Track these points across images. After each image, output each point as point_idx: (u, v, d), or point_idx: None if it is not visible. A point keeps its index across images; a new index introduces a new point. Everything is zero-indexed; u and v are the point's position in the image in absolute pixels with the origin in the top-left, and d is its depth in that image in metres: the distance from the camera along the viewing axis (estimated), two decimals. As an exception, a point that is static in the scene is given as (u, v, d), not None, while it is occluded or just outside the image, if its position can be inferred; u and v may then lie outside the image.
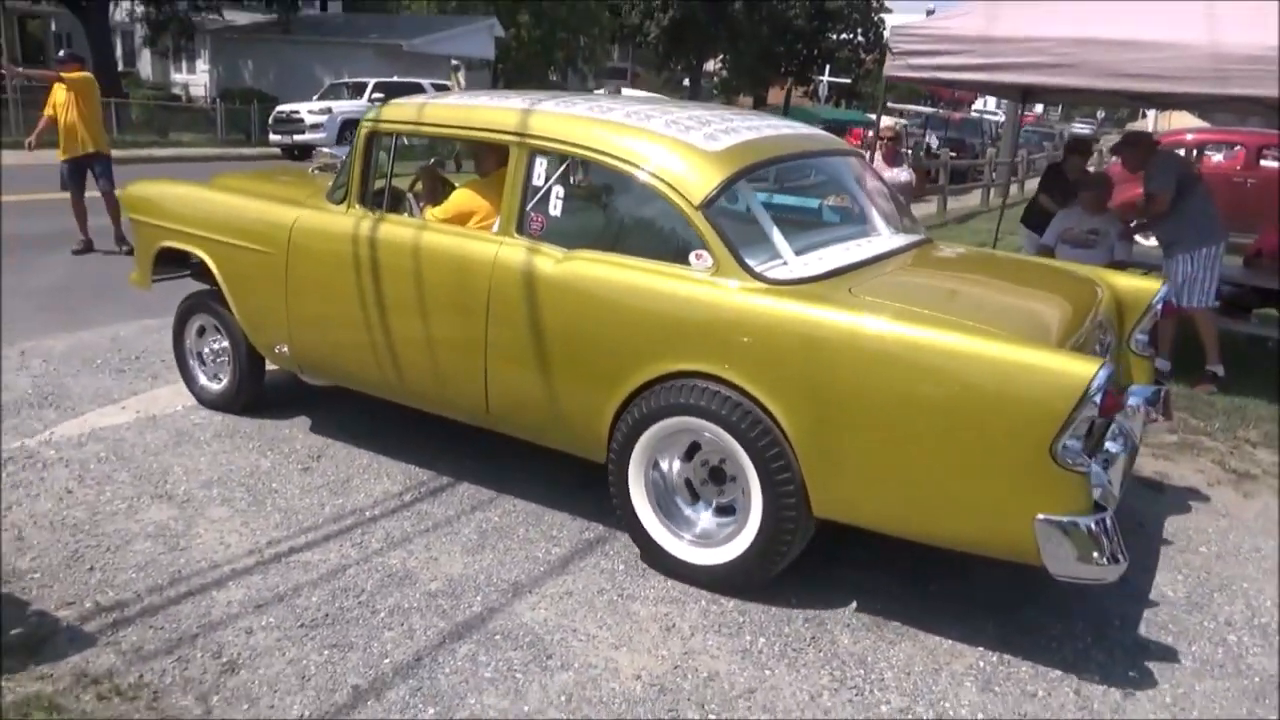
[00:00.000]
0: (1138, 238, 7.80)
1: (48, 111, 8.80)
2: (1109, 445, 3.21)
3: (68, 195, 8.74)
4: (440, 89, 20.98)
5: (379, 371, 4.03)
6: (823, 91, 42.33)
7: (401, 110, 4.10)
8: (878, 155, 6.75)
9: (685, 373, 3.21)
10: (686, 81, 50.71)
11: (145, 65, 34.09)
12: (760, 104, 46.53)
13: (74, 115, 8.58)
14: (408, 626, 3.03)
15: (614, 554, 3.58)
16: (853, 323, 2.98)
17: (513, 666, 2.86)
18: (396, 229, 3.90)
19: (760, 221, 3.41)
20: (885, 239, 3.98)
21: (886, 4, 48.47)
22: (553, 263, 3.46)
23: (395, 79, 20.98)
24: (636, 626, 3.12)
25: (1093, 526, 2.74)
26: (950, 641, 3.13)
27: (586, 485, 3.91)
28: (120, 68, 28.22)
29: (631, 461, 3.39)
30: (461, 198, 4.17)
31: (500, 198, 3.72)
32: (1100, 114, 52.99)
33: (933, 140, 19.79)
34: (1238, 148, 13.67)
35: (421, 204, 4.34)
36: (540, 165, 3.59)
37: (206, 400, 4.81)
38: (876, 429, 2.96)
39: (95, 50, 25.42)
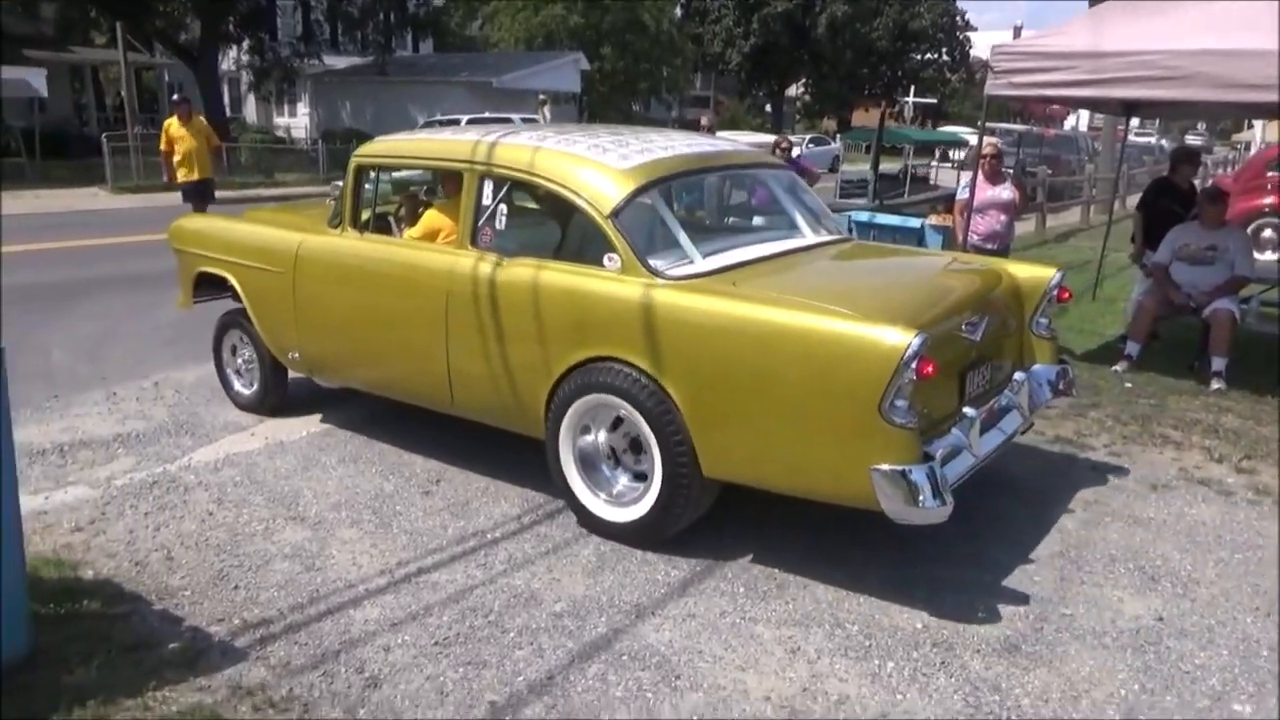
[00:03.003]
0: (1256, 254, 7.50)
1: (164, 146, 10.87)
2: (966, 410, 3.64)
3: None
4: (529, 122, 21.52)
5: (368, 370, 4.73)
6: (908, 113, 41.79)
7: (382, 146, 4.78)
8: (979, 174, 6.64)
9: (601, 358, 3.71)
10: (769, 108, 50.77)
11: (250, 110, 35.75)
12: (845, 127, 46.24)
13: (193, 146, 10.72)
14: (537, 646, 3.09)
15: (733, 577, 3.59)
16: (722, 309, 3.47)
17: (643, 686, 2.89)
18: (378, 247, 4.55)
19: (670, 227, 3.93)
20: (802, 239, 4.50)
21: (972, 23, 47.74)
22: (496, 269, 4.02)
23: (486, 115, 21.58)
24: (761, 649, 3.12)
25: (920, 475, 3.16)
26: (1087, 669, 3.04)
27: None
28: (227, 113, 29.66)
29: (561, 434, 3.90)
30: (430, 218, 4.72)
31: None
32: (1201, 125, 51.06)
33: (1022, 156, 19.35)
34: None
35: (402, 225, 4.95)
36: (488, 187, 4.16)
37: (241, 403, 5.43)
38: (743, 399, 3.42)
39: (206, 97, 26.85)
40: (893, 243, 6.61)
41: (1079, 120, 39.15)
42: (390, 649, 3.05)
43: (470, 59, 33.04)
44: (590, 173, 3.93)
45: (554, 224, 4.41)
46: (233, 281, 5.13)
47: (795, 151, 9.01)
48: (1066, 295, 4.44)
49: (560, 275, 3.86)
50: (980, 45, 46.84)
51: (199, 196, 10.91)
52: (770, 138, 18.68)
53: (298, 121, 34.22)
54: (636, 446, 3.80)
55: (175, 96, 11.50)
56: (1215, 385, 6.05)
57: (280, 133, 32.32)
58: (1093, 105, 9.26)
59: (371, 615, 3.26)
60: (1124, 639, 3.23)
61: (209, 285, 5.38)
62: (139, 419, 5.26)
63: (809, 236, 4.54)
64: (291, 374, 5.27)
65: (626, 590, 3.47)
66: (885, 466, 3.15)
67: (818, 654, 3.10)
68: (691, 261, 3.81)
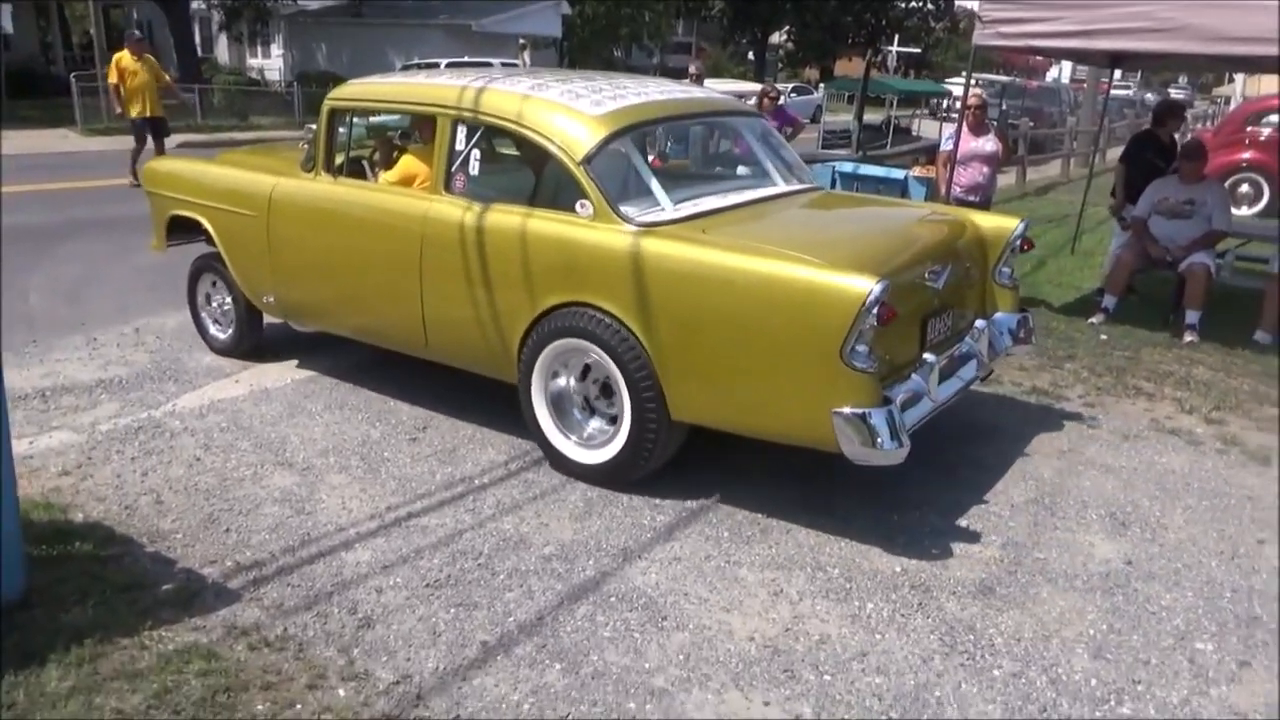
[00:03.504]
0: (1233, 208, 7.57)
1: (114, 79, 11.00)
2: (926, 356, 3.71)
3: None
4: (508, 67, 21.17)
5: (344, 314, 4.76)
6: (891, 62, 41.40)
7: (355, 89, 4.79)
8: (963, 126, 6.64)
9: (573, 303, 3.78)
10: (751, 55, 50.11)
11: (222, 51, 34.88)
12: (828, 76, 45.77)
13: (146, 81, 10.98)
14: (527, 588, 3.16)
15: (718, 522, 3.67)
16: (690, 255, 3.54)
17: (630, 626, 2.97)
18: (352, 191, 4.58)
19: (642, 174, 3.98)
20: (773, 188, 4.53)
21: (957, -30, 47.07)
22: (470, 215, 4.04)
23: (466, 59, 21.19)
24: (745, 591, 3.21)
25: (879, 418, 3.25)
26: (1058, 609, 3.15)
27: (684, 452, 4.00)
28: (199, 54, 28.94)
29: (534, 377, 3.98)
30: (406, 163, 4.69)
31: None
32: (1182, 78, 50.89)
33: (1006, 108, 19.31)
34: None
35: (377, 169, 4.95)
36: (461, 133, 4.16)
37: (217, 348, 5.44)
38: (710, 343, 3.52)
39: (176, 38, 26.17)
40: (876, 194, 6.62)
41: (1061, 72, 38.97)
42: (382, 590, 3.11)
43: (449, 2, 32.33)
44: (563, 119, 3.94)
45: (527, 170, 4.46)
46: (206, 225, 5.12)
47: (780, 100, 8.94)
48: (1029, 246, 4.53)
49: (533, 221, 3.90)
50: (965, -6, 46.26)
51: (154, 133, 11.19)
52: (754, 86, 18.49)
53: (271, 63, 33.42)
54: (607, 390, 3.87)
55: (135, 34, 11.81)
56: (1188, 338, 6.16)
57: (254, 74, 31.62)
58: (1079, 57, 9.25)
59: (363, 558, 3.31)
60: (1094, 581, 3.34)
61: (183, 229, 5.35)
62: (121, 365, 5.24)
63: (780, 185, 4.58)
64: (267, 318, 5.27)
65: (613, 535, 3.54)
66: (846, 409, 3.25)
67: (799, 596, 3.19)
68: (662, 209, 3.86)
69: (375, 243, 4.38)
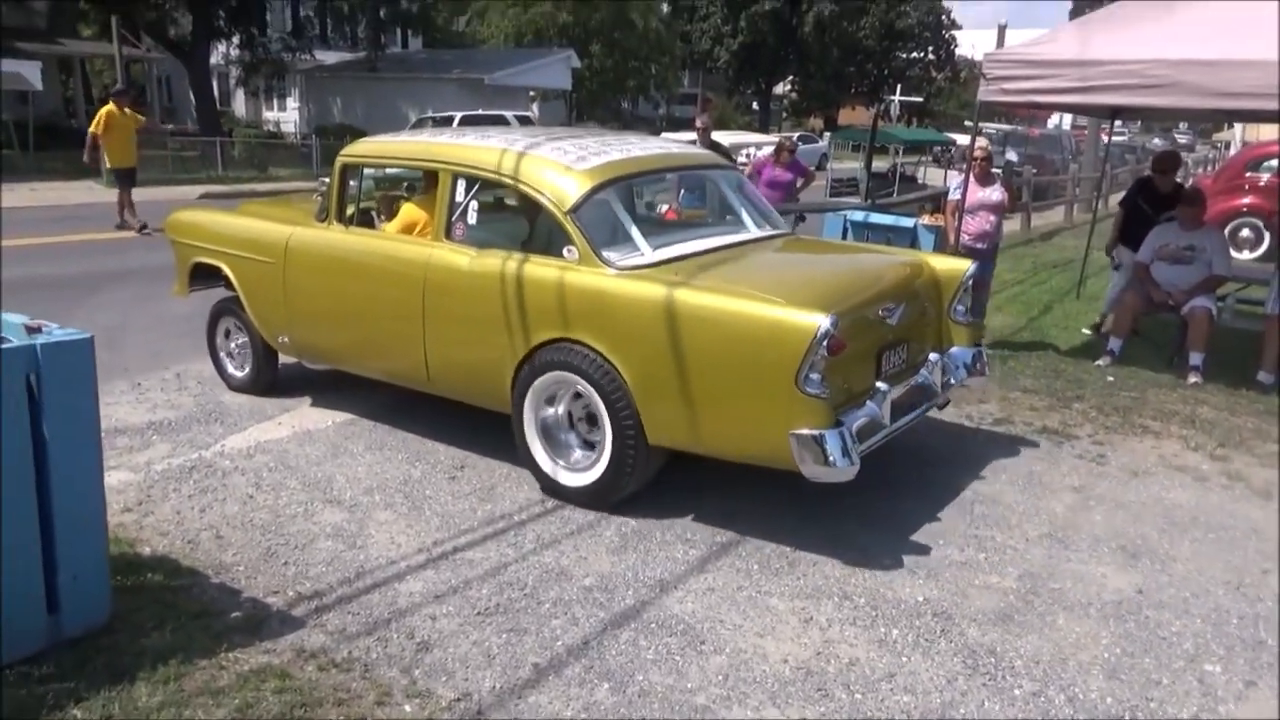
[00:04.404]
0: (1233, 253, 7.80)
1: (98, 129, 12.09)
2: (879, 385, 4.11)
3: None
4: (522, 119, 21.71)
5: (353, 352, 5.15)
6: (894, 111, 42.14)
7: (365, 147, 5.25)
8: (971, 176, 6.93)
9: (560, 339, 4.16)
10: (755, 105, 51.04)
11: (239, 104, 35.74)
12: (831, 125, 46.56)
13: (130, 135, 12.25)
14: (571, 615, 3.36)
15: (747, 555, 3.86)
16: (665, 295, 3.92)
17: (671, 650, 3.16)
18: (361, 240, 4.99)
19: (623, 222, 4.40)
20: (746, 234, 4.98)
21: (957, 21, 48.07)
22: (469, 260, 4.45)
23: (480, 112, 21.76)
24: (777, 619, 3.40)
25: (832, 438, 3.62)
26: (1074, 635, 3.33)
27: (708, 492, 4.21)
28: (217, 107, 29.67)
29: (525, 408, 4.34)
30: (408, 212, 5.08)
31: None
32: (1183, 125, 51.63)
33: (1012, 156, 19.71)
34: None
35: (382, 219, 5.34)
36: (460, 185, 4.59)
37: (235, 385, 5.80)
38: (683, 374, 3.87)
39: (196, 91, 26.91)
40: (887, 242, 6.88)
41: (1062, 120, 39.60)
42: (436, 618, 3.31)
43: (462, 56, 33.15)
44: (552, 173, 4.38)
45: (520, 219, 4.89)
46: (227, 271, 5.51)
47: (795, 152, 9.29)
48: (979, 286, 4.93)
49: (525, 266, 4.29)
50: (965, 43, 47.26)
51: (130, 181, 12.49)
52: (760, 137, 18.98)
53: (287, 116, 34.25)
54: (591, 418, 4.21)
55: (120, 88, 13.29)
56: (1193, 379, 6.37)
57: (269, 127, 32.37)
58: (1081, 110, 9.57)
59: (415, 588, 3.51)
60: (1107, 609, 3.52)
61: (204, 275, 5.76)
62: (167, 408, 5.48)
63: (753, 231, 5.03)
64: (282, 358, 5.64)
65: (649, 567, 3.74)
66: (802, 431, 3.62)
67: (829, 623, 3.38)
68: (642, 253, 4.25)
69: (382, 286, 4.77)
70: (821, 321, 3.58)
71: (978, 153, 7.02)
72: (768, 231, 5.06)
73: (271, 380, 5.72)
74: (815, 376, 3.62)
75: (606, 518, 4.16)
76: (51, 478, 2.75)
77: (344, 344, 5.13)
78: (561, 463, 4.32)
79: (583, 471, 4.25)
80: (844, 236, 7.55)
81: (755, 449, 3.84)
